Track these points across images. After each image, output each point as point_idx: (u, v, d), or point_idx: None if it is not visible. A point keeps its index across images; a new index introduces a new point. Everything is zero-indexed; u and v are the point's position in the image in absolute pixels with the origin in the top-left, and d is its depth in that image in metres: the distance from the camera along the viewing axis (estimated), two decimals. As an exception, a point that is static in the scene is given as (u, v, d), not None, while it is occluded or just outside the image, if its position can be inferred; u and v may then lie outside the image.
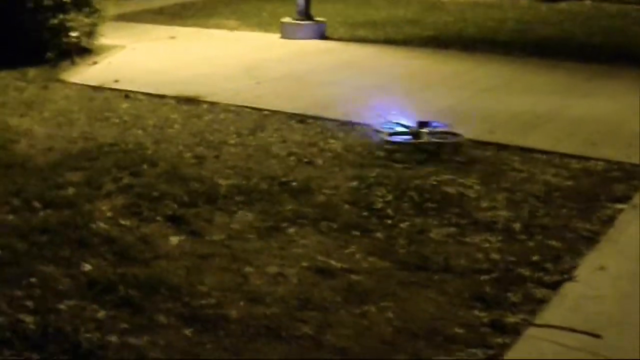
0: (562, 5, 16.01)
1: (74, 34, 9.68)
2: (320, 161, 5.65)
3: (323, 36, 11.75)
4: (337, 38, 11.69)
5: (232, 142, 6.08)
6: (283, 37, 11.73)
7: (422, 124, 6.48)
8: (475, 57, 10.28)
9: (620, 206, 5.03)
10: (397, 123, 6.48)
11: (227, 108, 7.28)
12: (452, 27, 12.73)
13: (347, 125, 6.66)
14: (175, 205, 4.79)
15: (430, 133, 6.32)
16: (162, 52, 10.60)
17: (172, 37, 11.92)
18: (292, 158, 5.70)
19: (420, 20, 13.54)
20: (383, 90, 8.14)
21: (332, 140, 6.19)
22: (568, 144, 6.33)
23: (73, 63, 9.45)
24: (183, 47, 11.03)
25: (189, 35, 12.21)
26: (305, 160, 5.65)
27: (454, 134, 6.36)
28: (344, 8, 14.92)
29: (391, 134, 6.26)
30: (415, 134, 6.26)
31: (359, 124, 6.71)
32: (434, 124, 6.53)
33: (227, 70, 9.18)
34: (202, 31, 12.60)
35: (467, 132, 6.48)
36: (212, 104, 7.46)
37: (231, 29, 12.79)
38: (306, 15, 11.85)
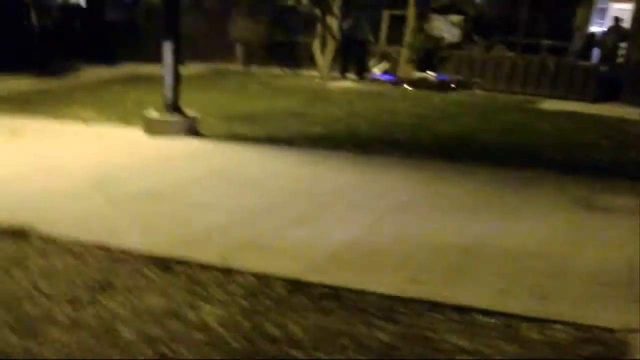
0: (454, 95, 15.10)
1: None
2: (184, 350, 3.89)
3: (195, 133, 10.10)
4: (211, 135, 10.06)
5: (62, 318, 4.21)
6: (148, 133, 10.00)
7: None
8: (373, 161, 8.91)
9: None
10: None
11: (65, 246, 5.43)
12: (342, 122, 11.38)
13: (226, 276, 4.94)
14: None
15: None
16: (1, 155, 8.64)
17: (15, 133, 9.96)
18: (145, 346, 3.91)
19: (305, 113, 12.15)
20: (268, 214, 6.52)
21: (205, 305, 4.45)
22: (513, 298, 4.86)
23: None
24: (25, 147, 9.09)
25: (37, 129, 10.28)
26: (166, 349, 3.88)
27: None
28: (218, 97, 13.42)
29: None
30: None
31: (240, 272, 5.01)
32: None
33: (75, 183, 7.32)
34: (56, 125, 10.69)
35: (382, 284, 4.93)
36: (47, 239, 5.58)
37: (88, 122, 10.94)
38: (175, 108, 10.18)
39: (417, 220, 6.54)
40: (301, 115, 11.90)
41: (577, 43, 19.47)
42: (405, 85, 11.68)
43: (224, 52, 20.50)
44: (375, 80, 15.48)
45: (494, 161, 9.15)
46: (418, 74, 12.64)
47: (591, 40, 19.66)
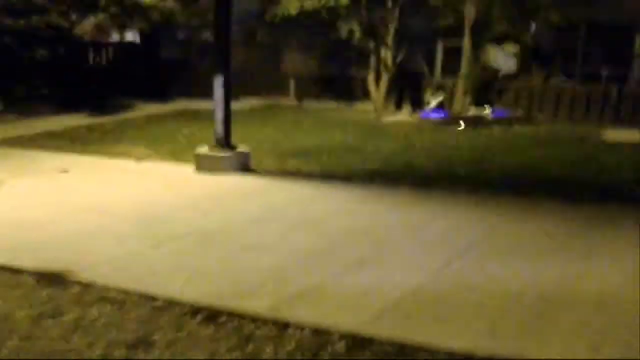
0: (515, 128, 14.42)
1: None
2: None
3: (247, 169, 9.70)
4: (264, 171, 9.63)
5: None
6: (199, 170, 9.62)
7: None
8: (434, 198, 8.34)
9: None
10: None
11: (105, 294, 5.01)
12: (400, 157, 10.84)
13: (280, 330, 4.43)
14: None
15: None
16: (46, 193, 8.37)
17: (65, 171, 9.72)
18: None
19: (361, 147, 11.66)
20: (325, 257, 6.00)
21: (255, 366, 3.94)
22: (606, 355, 4.24)
23: None
24: (74, 186, 8.80)
25: (87, 167, 10.04)
26: None
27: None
28: (272, 132, 13.02)
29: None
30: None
31: (296, 325, 4.50)
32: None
33: (121, 224, 6.93)
34: (104, 162, 10.45)
35: (454, 338, 4.36)
36: (86, 285, 5.18)
37: (138, 158, 10.64)
38: (226, 143, 9.79)
39: (487, 263, 5.95)
40: (357, 149, 11.42)
41: (637, 71, 18.61)
42: (461, 123, 11.05)
43: (277, 86, 20.20)
44: (427, 119, 14.81)
45: (564, 196, 8.50)
46: (472, 110, 11.98)
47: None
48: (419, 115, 16.81)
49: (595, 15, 18.16)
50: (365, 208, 7.73)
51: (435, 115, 14.27)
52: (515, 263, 5.96)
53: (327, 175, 9.41)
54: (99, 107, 16.91)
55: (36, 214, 7.29)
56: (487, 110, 11.70)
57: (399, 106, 18.05)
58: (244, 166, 9.68)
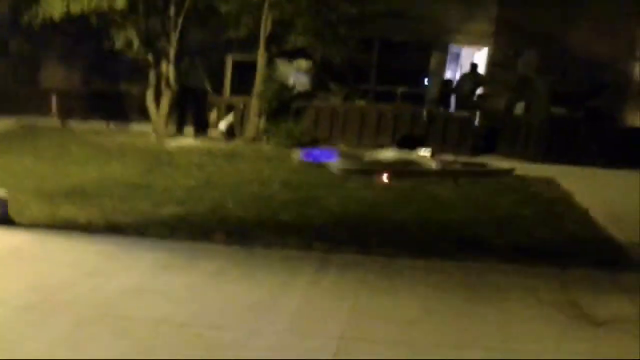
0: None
1: None
2: None
3: (4, 220, 7.21)
4: (28, 224, 7.22)
5: None
6: None
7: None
8: (264, 258, 6.50)
9: None
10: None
11: None
12: (200, 197, 8.85)
13: None
14: None
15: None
16: None
17: None
18: None
19: (150, 184, 9.52)
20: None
21: None
22: None
23: None
24: None
25: None
26: None
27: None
28: (34, 164, 10.47)
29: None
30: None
31: None
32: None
33: None
34: None
35: None
36: None
37: None
38: (-28, 186, 7.25)
39: None
40: (145, 187, 9.22)
41: (433, 90, 17.94)
42: (383, 179, 8.51)
43: (35, 103, 17.22)
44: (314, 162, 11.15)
45: (414, 249, 6.98)
46: (395, 154, 9.35)
47: (447, 86, 18.18)
48: (205, 137, 14.85)
49: (389, 33, 17.15)
50: (180, 282, 5.64)
51: (325, 158, 10.66)
52: None
53: (114, 227, 7.19)
54: None
55: None
56: (425, 154, 9.13)
57: (181, 128, 15.95)
58: (1, 217, 7.20)
